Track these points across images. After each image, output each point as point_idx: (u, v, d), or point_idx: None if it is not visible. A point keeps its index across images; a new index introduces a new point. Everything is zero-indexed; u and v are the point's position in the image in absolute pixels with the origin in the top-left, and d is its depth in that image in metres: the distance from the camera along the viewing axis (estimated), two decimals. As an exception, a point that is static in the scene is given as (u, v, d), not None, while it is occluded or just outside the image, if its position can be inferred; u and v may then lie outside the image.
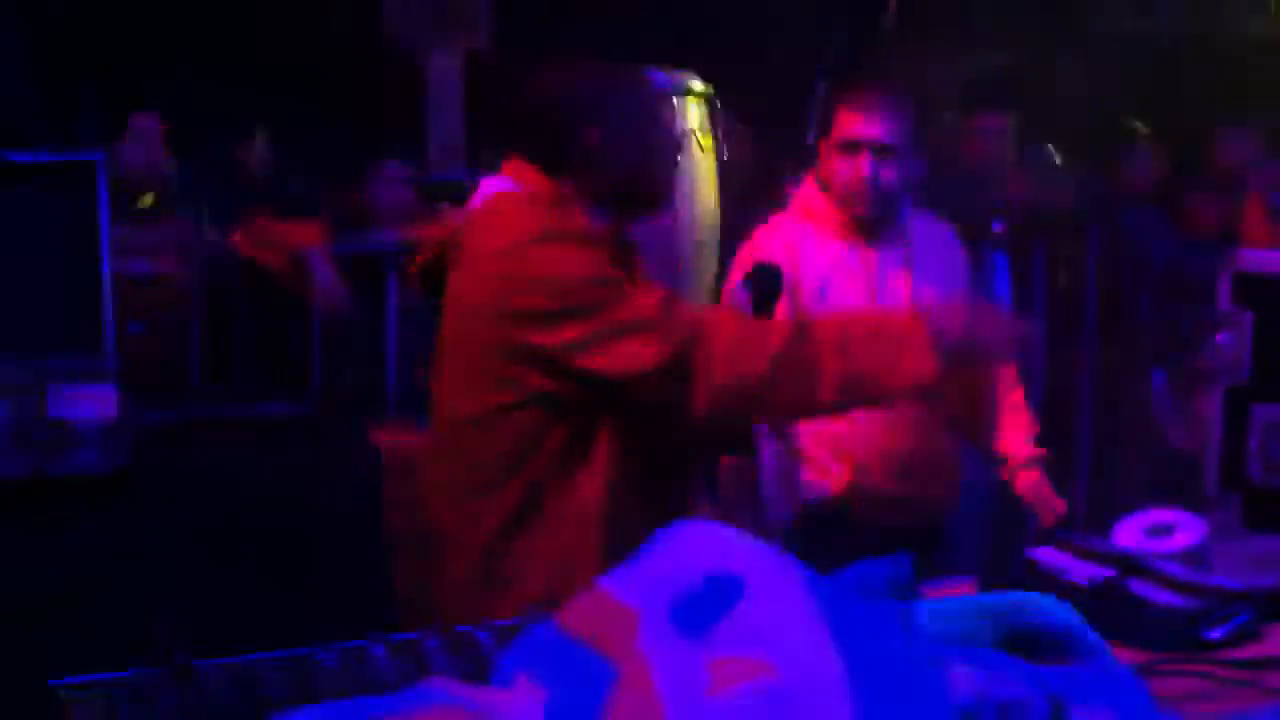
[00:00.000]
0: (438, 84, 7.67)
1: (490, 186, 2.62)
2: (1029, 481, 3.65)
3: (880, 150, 3.38)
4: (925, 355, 2.33)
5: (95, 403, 3.80)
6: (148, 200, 4.70)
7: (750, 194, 5.08)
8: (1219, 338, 2.74)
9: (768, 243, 3.50)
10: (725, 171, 4.41)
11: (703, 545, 1.42)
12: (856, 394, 2.41)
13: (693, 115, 4.22)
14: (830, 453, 3.45)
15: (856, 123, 3.41)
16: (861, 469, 3.43)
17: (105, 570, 3.36)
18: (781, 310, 3.37)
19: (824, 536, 3.34)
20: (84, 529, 3.47)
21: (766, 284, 2.58)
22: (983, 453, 3.66)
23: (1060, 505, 3.63)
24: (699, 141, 4.22)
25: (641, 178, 2.62)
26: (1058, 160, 5.71)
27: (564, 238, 2.46)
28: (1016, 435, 3.67)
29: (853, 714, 1.19)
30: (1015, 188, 5.14)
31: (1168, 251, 5.19)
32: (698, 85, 4.27)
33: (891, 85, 3.56)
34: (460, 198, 5.38)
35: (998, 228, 5.12)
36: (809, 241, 3.48)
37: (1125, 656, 1.92)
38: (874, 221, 3.47)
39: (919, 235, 3.55)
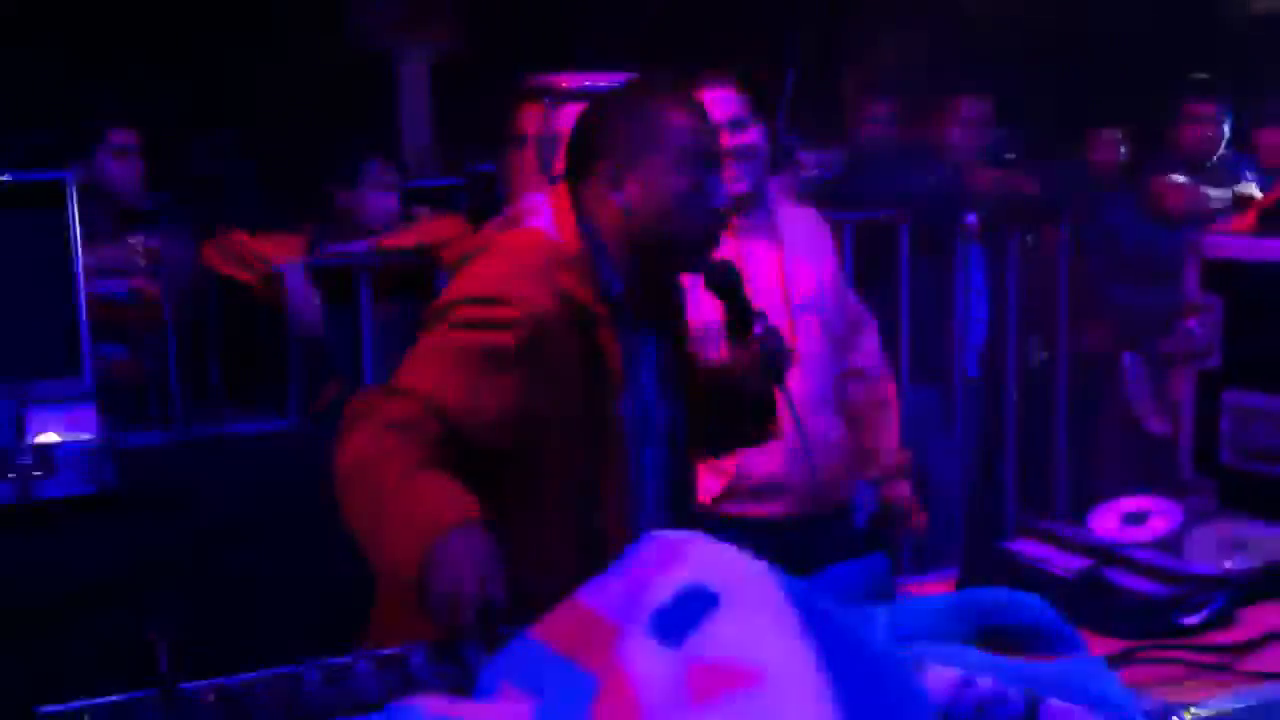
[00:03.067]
0: (409, 87, 7.65)
1: (530, 202, 2.56)
2: (898, 493, 3.71)
3: (734, 124, 3.45)
4: (412, 551, 2.00)
5: (75, 425, 3.80)
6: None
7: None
8: (1189, 323, 2.76)
9: None
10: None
11: (678, 555, 1.43)
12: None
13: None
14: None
15: (706, 106, 3.47)
16: (745, 463, 3.44)
17: (90, 593, 3.36)
18: None
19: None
20: (68, 552, 3.46)
21: (724, 280, 2.54)
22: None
23: (921, 522, 3.69)
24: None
25: (666, 224, 2.43)
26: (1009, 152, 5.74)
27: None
28: (887, 435, 3.71)
29: (834, 717, 1.21)
30: (982, 177, 5.16)
31: (1138, 235, 5.21)
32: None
33: (729, 75, 3.56)
34: (446, 203, 5.38)
35: (971, 219, 5.14)
36: None
37: (1103, 644, 1.95)
38: (745, 199, 3.50)
39: (786, 222, 3.60)
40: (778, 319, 3.46)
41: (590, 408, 2.38)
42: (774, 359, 2.58)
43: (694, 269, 2.53)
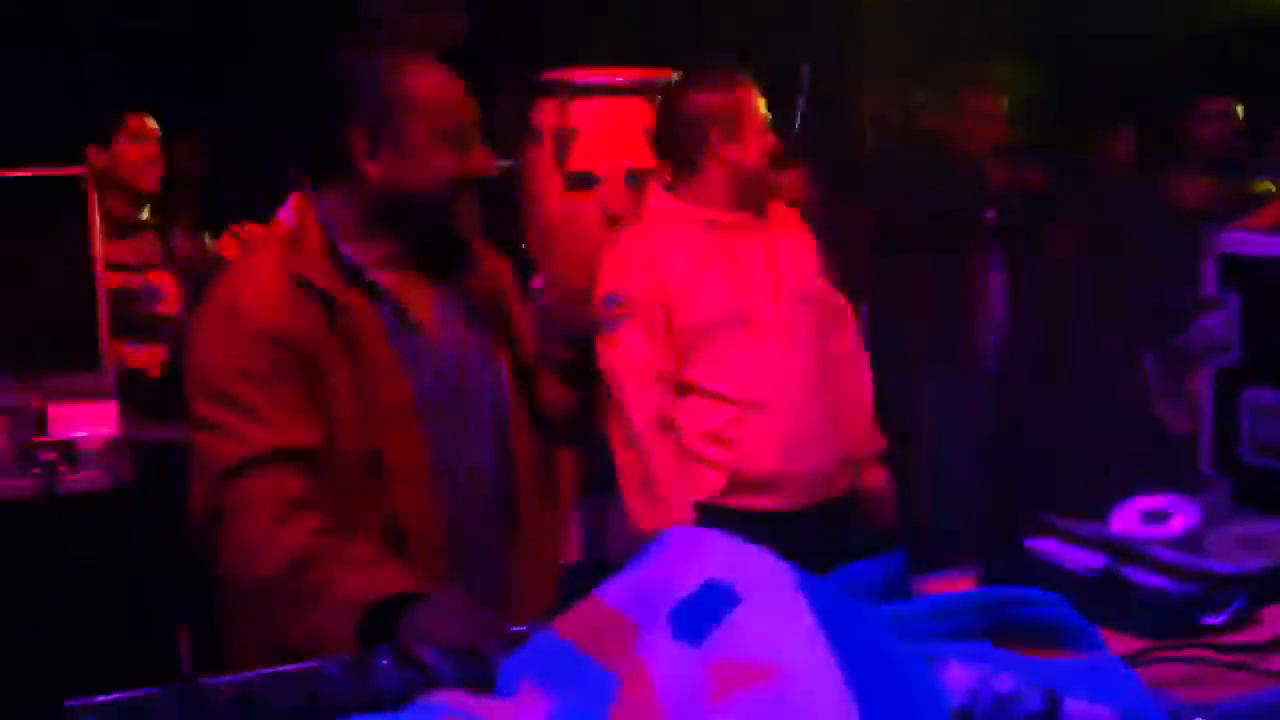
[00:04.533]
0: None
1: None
2: (875, 481, 3.70)
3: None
4: (340, 629, 2.02)
5: (95, 420, 3.81)
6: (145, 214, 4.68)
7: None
8: (1205, 320, 2.75)
9: (625, 255, 3.56)
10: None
11: (697, 552, 1.43)
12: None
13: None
14: (713, 445, 3.49)
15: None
16: (745, 456, 3.47)
17: (109, 587, 3.37)
18: (652, 319, 3.44)
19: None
20: (87, 546, 3.48)
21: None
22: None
23: (891, 514, 3.67)
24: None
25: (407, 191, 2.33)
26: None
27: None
28: (861, 420, 3.71)
29: (851, 715, 1.21)
30: (998, 174, 5.16)
31: (1156, 232, 5.20)
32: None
33: (730, 65, 3.60)
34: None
35: (988, 216, 5.14)
36: (668, 243, 3.53)
37: (1122, 643, 1.94)
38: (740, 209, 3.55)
39: (772, 220, 3.63)
40: (769, 309, 3.49)
41: (363, 388, 2.28)
42: (567, 313, 2.49)
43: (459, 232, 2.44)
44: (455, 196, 2.35)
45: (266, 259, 2.33)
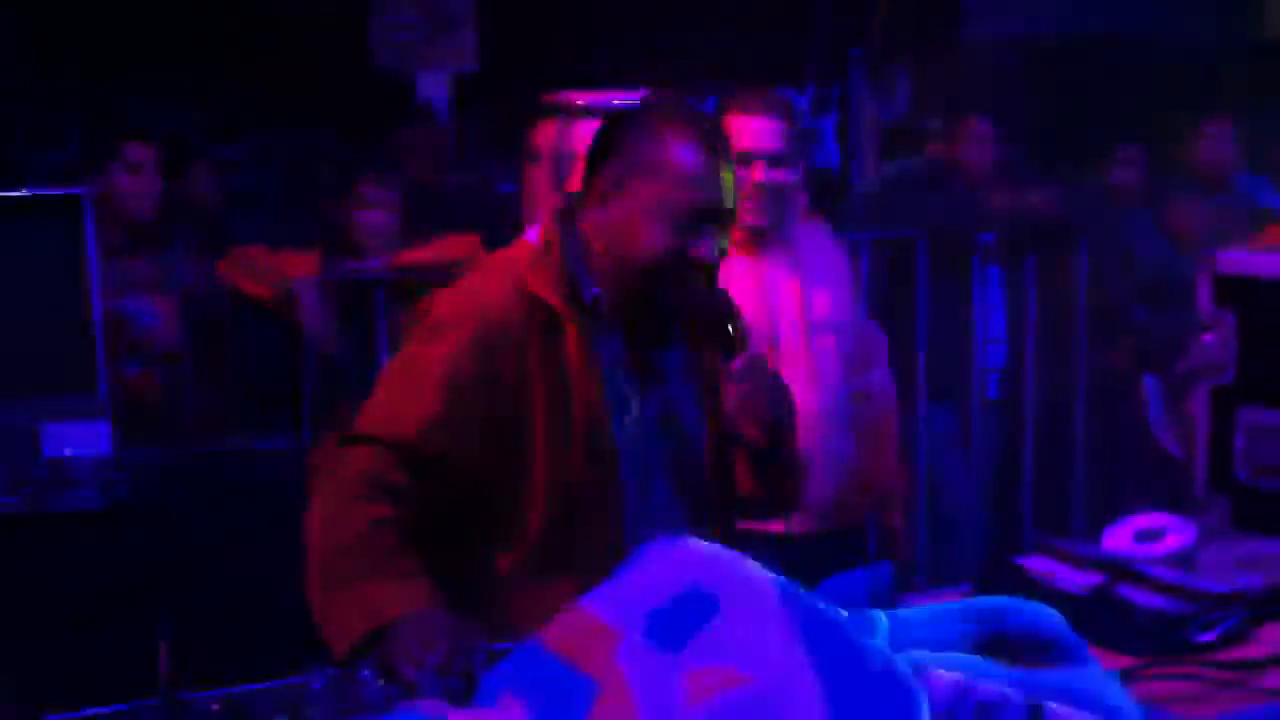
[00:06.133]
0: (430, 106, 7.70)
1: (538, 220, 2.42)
2: (890, 522, 3.72)
3: (773, 160, 3.38)
4: (353, 626, 1.97)
5: (90, 440, 3.80)
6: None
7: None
8: (1203, 338, 2.75)
9: None
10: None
11: (679, 561, 1.43)
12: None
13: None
14: None
15: (748, 135, 3.37)
16: None
17: (101, 606, 3.36)
18: None
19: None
20: (80, 565, 3.47)
21: (712, 314, 2.36)
22: None
23: (907, 550, 3.66)
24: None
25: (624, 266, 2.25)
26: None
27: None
28: (884, 460, 3.66)
29: (826, 718, 1.20)
30: (998, 197, 5.15)
31: (1157, 256, 5.20)
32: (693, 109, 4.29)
33: (774, 92, 3.53)
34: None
35: (988, 239, 5.13)
36: None
37: (1116, 661, 1.93)
38: (764, 231, 3.45)
39: (805, 243, 3.56)
40: (795, 342, 3.47)
41: (559, 421, 2.21)
42: (761, 399, 2.32)
43: (664, 310, 2.30)
44: (661, 274, 2.22)
45: (498, 276, 2.28)
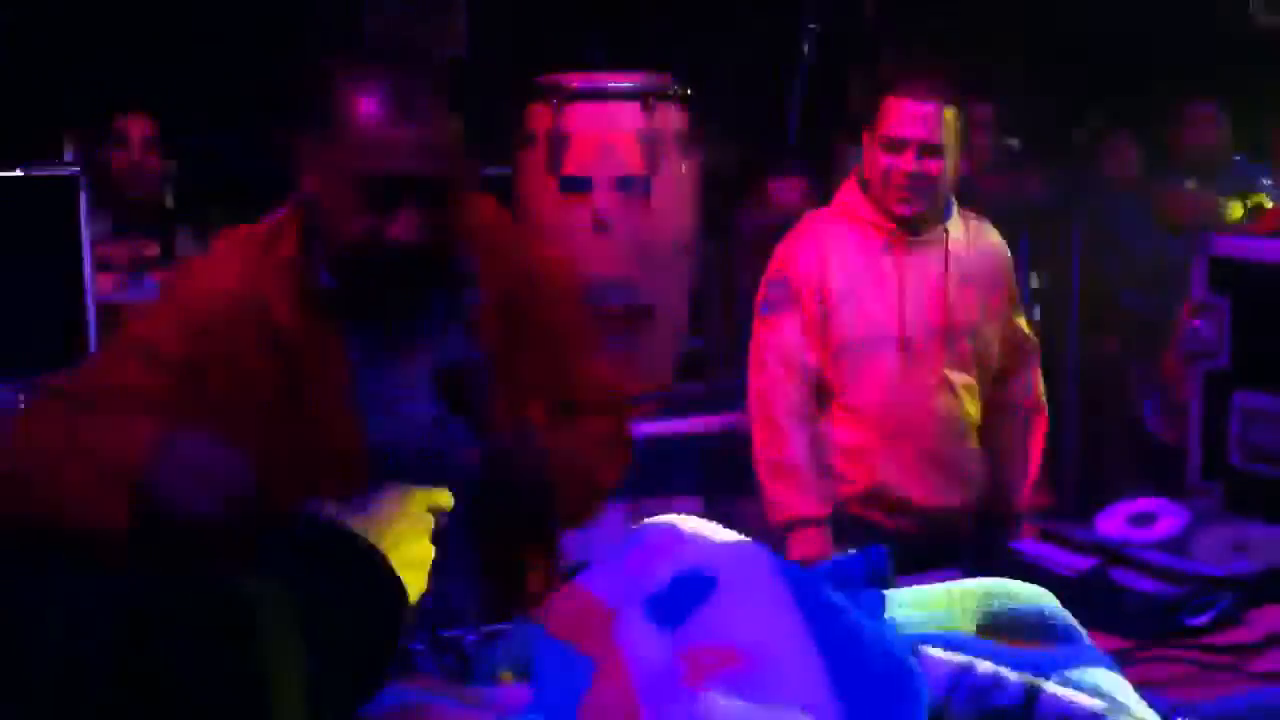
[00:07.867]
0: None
1: None
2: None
3: (924, 149, 3.32)
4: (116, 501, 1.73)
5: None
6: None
7: (732, 196, 5.09)
8: (1195, 322, 2.75)
9: (797, 240, 3.49)
10: (705, 174, 4.42)
11: (676, 540, 1.43)
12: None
13: (672, 118, 4.25)
14: (852, 458, 3.45)
15: (903, 120, 3.32)
16: (884, 472, 3.43)
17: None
18: (810, 313, 3.39)
19: (845, 541, 3.28)
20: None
21: (454, 384, 2.01)
22: None
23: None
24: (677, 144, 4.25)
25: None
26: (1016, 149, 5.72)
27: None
28: (1020, 476, 3.64)
29: (828, 697, 1.20)
30: (991, 181, 5.14)
31: (1150, 242, 5.20)
32: (676, 88, 4.29)
33: (939, 80, 3.39)
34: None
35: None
36: (842, 241, 3.43)
37: (1109, 644, 1.93)
38: (913, 221, 3.41)
39: (958, 238, 3.48)
40: (928, 345, 3.39)
41: (279, 413, 1.95)
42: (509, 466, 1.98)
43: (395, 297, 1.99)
44: (367, 258, 1.92)
45: (233, 256, 2.04)
